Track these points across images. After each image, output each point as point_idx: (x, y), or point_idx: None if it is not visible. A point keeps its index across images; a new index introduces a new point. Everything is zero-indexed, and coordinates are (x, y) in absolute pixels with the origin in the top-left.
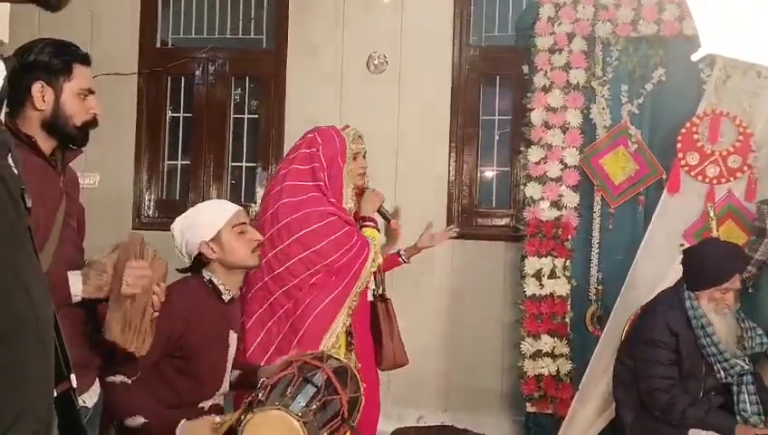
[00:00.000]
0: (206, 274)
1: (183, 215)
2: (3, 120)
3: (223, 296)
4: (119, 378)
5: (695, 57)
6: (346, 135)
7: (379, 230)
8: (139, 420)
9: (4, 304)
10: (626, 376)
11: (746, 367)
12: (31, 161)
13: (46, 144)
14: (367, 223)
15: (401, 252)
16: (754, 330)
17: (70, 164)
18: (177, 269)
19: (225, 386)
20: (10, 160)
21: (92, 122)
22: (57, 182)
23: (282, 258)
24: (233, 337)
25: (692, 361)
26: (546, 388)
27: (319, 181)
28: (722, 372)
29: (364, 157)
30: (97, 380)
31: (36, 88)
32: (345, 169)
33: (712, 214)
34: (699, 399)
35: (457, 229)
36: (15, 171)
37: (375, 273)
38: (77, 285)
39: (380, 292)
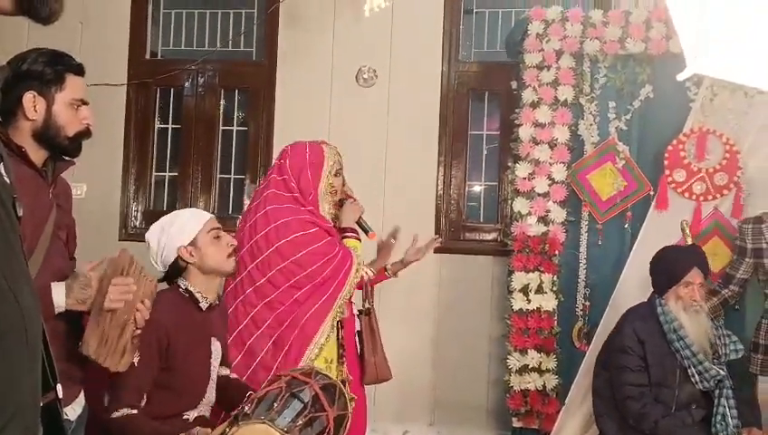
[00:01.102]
0: (181, 283)
1: (158, 223)
2: None
3: (200, 304)
4: (124, 411)
5: (680, 77)
6: (329, 149)
7: (359, 240)
8: None
9: None
10: (604, 389)
11: (722, 372)
12: (21, 172)
13: (37, 155)
14: (348, 234)
15: (387, 267)
16: (729, 337)
17: (62, 175)
18: (159, 280)
19: (210, 396)
20: (2, 169)
21: (85, 133)
22: (47, 193)
23: (262, 269)
24: (215, 344)
25: (662, 368)
26: (532, 403)
27: (294, 192)
28: (696, 376)
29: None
30: (82, 392)
31: (28, 98)
32: (322, 183)
33: (687, 231)
34: (672, 410)
35: (441, 239)
36: (7, 180)
37: (362, 286)
38: (60, 297)
39: (368, 305)
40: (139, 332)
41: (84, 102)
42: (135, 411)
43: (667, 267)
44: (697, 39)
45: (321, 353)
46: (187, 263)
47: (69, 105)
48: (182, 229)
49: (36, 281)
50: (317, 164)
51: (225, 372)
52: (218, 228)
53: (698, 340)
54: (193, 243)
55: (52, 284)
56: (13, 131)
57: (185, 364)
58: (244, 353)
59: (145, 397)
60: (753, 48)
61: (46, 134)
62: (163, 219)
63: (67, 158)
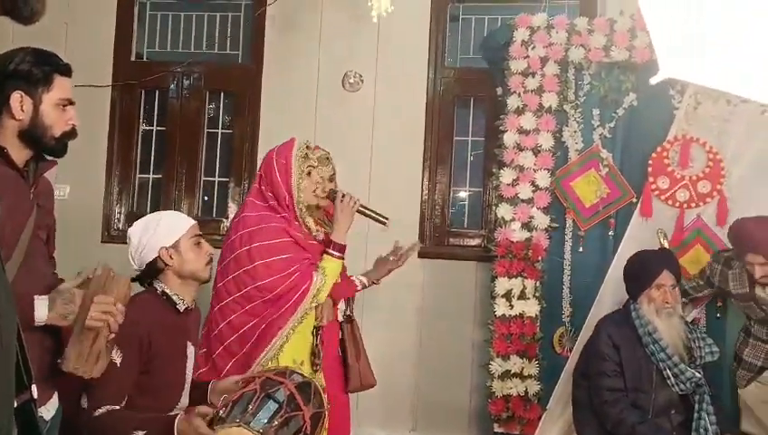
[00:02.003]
0: (158, 286)
1: (142, 220)
2: None
3: (178, 307)
4: (105, 408)
5: (653, 80)
6: (296, 148)
7: (342, 259)
8: None
9: None
10: (583, 397)
11: (698, 375)
12: (1, 172)
13: (20, 154)
14: (331, 251)
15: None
16: (704, 340)
17: (45, 175)
18: (132, 278)
19: (185, 400)
20: None
21: (71, 133)
22: (28, 194)
23: (222, 274)
24: (190, 349)
25: (638, 373)
26: (514, 408)
27: (269, 200)
28: (672, 379)
29: (331, 180)
30: (56, 394)
31: (15, 97)
32: (294, 182)
33: (662, 239)
34: (650, 415)
35: (422, 244)
36: None
37: (352, 295)
38: (42, 311)
39: (349, 313)
40: (112, 336)
41: (71, 103)
42: (117, 407)
43: (638, 271)
44: (669, 41)
45: (280, 359)
46: (165, 265)
47: (56, 105)
48: (166, 230)
49: (16, 283)
50: (285, 163)
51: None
52: (200, 235)
53: (673, 342)
54: (175, 246)
55: (35, 296)
56: None
57: (163, 367)
58: (199, 357)
59: (126, 398)
60: (729, 54)
61: (33, 134)
62: (148, 218)
63: (50, 158)
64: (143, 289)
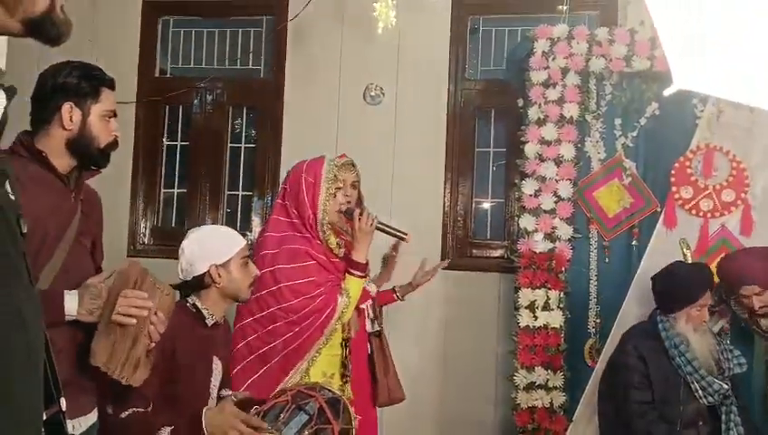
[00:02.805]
0: (190, 299)
1: (197, 232)
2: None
3: (206, 320)
4: (131, 410)
5: (667, 92)
6: (326, 169)
7: (365, 277)
8: (165, 432)
9: None
10: (609, 410)
11: (725, 386)
12: (41, 176)
13: (64, 162)
14: (353, 271)
15: (396, 289)
16: (731, 352)
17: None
18: (172, 285)
19: None
20: (8, 187)
21: (114, 144)
22: (69, 199)
23: None
24: (217, 363)
25: (665, 385)
26: (540, 420)
27: (292, 218)
28: (700, 391)
29: (354, 186)
30: (95, 411)
31: (66, 108)
32: (321, 203)
33: (684, 250)
34: (678, 428)
35: (449, 261)
36: (13, 197)
37: (372, 308)
38: (72, 304)
39: (377, 328)
40: (152, 345)
41: (114, 115)
42: (142, 409)
43: (681, 288)
44: (682, 52)
45: (311, 373)
46: (213, 282)
47: (102, 117)
48: (219, 248)
49: (54, 286)
50: (313, 183)
51: (229, 392)
52: (248, 256)
53: (703, 356)
54: (225, 264)
55: (65, 291)
56: (42, 139)
57: (187, 377)
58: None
59: (151, 403)
60: (736, 62)
61: (80, 144)
62: (202, 231)
63: (95, 168)
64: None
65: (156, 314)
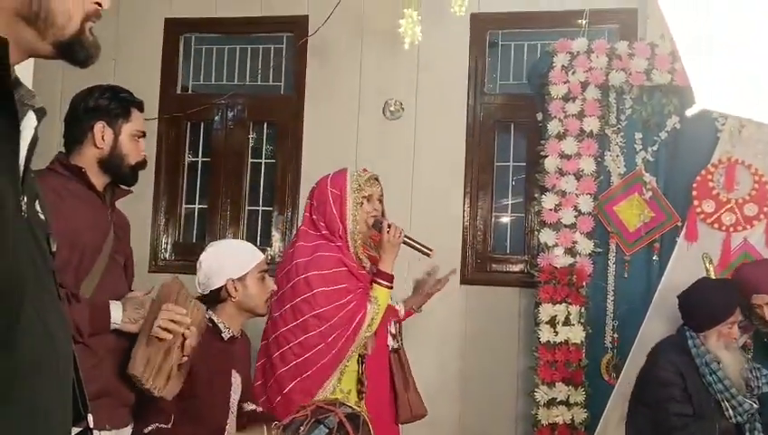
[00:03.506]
0: (207, 313)
1: (215, 247)
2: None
3: (222, 334)
4: (153, 426)
5: (689, 112)
6: (351, 180)
7: (391, 288)
8: None
9: (28, 344)
10: (643, 425)
11: (755, 406)
12: (80, 192)
13: (99, 180)
14: (379, 280)
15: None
16: (759, 370)
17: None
18: None
19: (231, 429)
20: (38, 207)
21: (143, 163)
22: (105, 215)
23: (278, 304)
24: (236, 377)
25: (700, 401)
26: None
27: (321, 230)
28: (730, 410)
29: (380, 201)
30: (131, 426)
31: (98, 128)
32: (348, 213)
33: (707, 264)
34: None
35: (454, 269)
36: (42, 217)
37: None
38: (117, 313)
39: (397, 344)
40: (185, 359)
41: (143, 135)
42: (165, 426)
43: (710, 307)
44: (705, 73)
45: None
46: (229, 296)
47: (132, 136)
48: (236, 262)
49: (94, 294)
50: (339, 195)
51: (251, 406)
52: (266, 271)
53: (734, 376)
54: (242, 279)
55: (110, 301)
56: (76, 158)
57: (206, 392)
58: (260, 383)
59: (172, 419)
60: (760, 83)
61: (111, 162)
62: (220, 245)
63: (125, 187)
64: None
65: (189, 328)
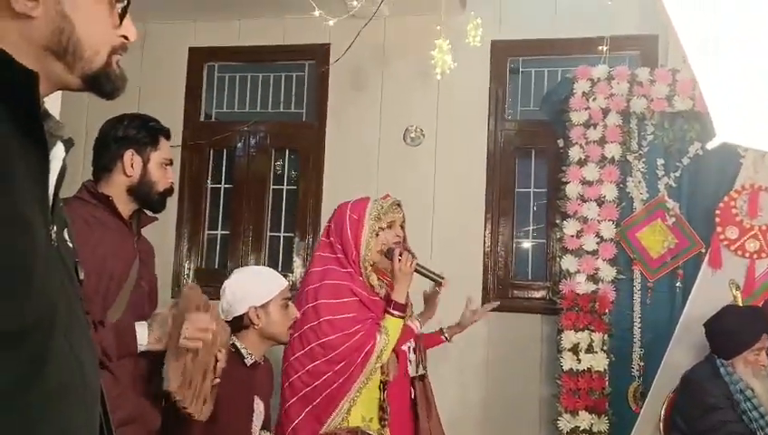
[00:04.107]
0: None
1: (238, 274)
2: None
3: (245, 360)
4: None
5: (710, 146)
6: (371, 208)
7: (403, 318)
8: None
9: (57, 371)
10: None
11: None
12: (107, 219)
13: (126, 207)
14: (392, 311)
15: (444, 330)
16: None
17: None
18: None
19: None
20: (66, 235)
21: (170, 190)
22: (131, 242)
23: (292, 330)
24: (258, 403)
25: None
26: None
27: (338, 253)
28: None
29: (402, 226)
30: None
31: (128, 156)
32: (363, 240)
33: (734, 291)
34: None
35: (498, 302)
36: (70, 245)
37: (416, 350)
38: (143, 335)
39: (422, 371)
40: (218, 380)
41: (171, 163)
42: None
43: (736, 334)
44: (725, 106)
45: (350, 419)
46: (251, 323)
47: (160, 164)
48: (259, 290)
49: (121, 318)
50: (357, 220)
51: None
52: (289, 298)
53: (765, 401)
54: (264, 306)
55: (135, 323)
56: (105, 185)
57: (228, 418)
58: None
59: None
60: (746, 51)
61: (140, 190)
62: (245, 272)
63: (150, 214)
64: None
65: (219, 351)
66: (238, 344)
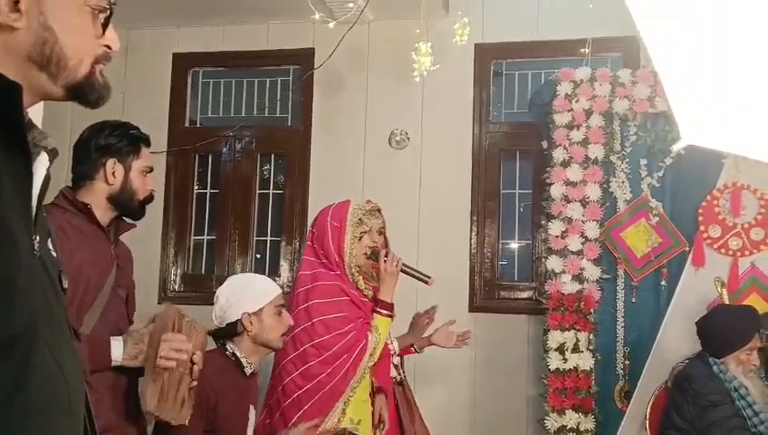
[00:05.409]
0: (229, 347)
1: (232, 280)
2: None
3: (245, 370)
4: None
5: (675, 148)
6: (351, 213)
7: (392, 317)
8: None
9: (41, 381)
10: None
11: None
12: (84, 227)
13: (105, 215)
14: (380, 309)
15: (414, 343)
16: None
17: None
18: (208, 332)
19: None
20: (50, 245)
21: (151, 198)
22: (108, 250)
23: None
24: (252, 412)
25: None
26: None
27: (321, 258)
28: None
29: (380, 233)
30: None
31: (110, 165)
32: (346, 244)
33: (719, 288)
34: None
35: (470, 337)
36: (55, 254)
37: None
38: (117, 350)
39: (400, 377)
40: (195, 383)
41: (151, 170)
42: None
43: (729, 334)
44: (690, 109)
45: (342, 421)
46: (245, 329)
47: (141, 172)
48: (253, 296)
49: (94, 331)
50: (338, 228)
51: None
52: (282, 305)
53: (759, 399)
54: (258, 313)
55: (111, 338)
56: (85, 193)
57: (226, 428)
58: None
59: None
60: (745, 119)
61: (121, 198)
62: (238, 279)
63: (129, 220)
64: (215, 347)
65: (194, 353)
66: (238, 354)
